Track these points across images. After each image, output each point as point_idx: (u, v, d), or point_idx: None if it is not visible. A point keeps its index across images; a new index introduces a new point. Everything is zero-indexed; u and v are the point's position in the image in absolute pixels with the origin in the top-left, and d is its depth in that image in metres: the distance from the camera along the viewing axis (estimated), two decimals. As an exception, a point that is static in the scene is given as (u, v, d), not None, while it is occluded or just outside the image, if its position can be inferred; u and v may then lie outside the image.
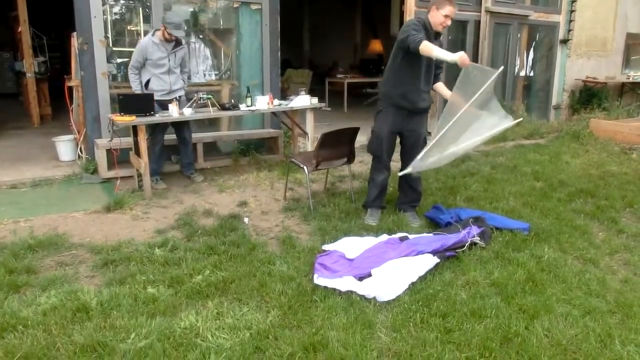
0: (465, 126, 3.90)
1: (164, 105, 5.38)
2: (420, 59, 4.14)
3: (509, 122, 3.98)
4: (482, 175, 6.11)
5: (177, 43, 5.48)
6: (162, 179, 5.66)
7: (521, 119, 4.49)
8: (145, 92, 5.36)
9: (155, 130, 5.49)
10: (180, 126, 5.67)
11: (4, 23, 11.10)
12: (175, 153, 6.06)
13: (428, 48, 3.81)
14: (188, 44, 5.83)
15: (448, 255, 3.75)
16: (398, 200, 4.78)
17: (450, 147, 3.99)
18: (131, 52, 5.57)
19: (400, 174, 4.31)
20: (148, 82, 5.44)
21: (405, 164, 4.47)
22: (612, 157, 7.26)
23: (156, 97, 5.39)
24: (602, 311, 3.15)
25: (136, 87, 5.41)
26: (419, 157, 4.05)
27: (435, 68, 4.41)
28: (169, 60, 5.44)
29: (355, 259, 3.65)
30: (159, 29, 5.40)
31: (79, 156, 6.35)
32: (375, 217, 4.57)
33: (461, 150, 4.10)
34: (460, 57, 3.66)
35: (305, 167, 4.81)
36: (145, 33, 6.29)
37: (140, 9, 6.22)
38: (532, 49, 10.21)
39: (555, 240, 4.18)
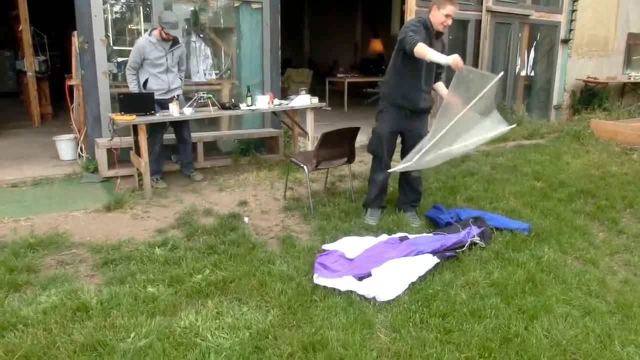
0: (463, 129, 3.89)
1: (162, 105, 5.39)
2: (420, 59, 4.13)
3: (505, 127, 3.95)
4: (482, 175, 6.10)
5: (175, 42, 5.47)
6: (163, 179, 5.66)
7: (515, 125, 4.43)
8: (143, 91, 5.36)
9: (154, 129, 5.48)
10: (179, 126, 5.66)
11: (4, 22, 11.11)
12: (175, 152, 6.06)
13: (422, 50, 3.80)
14: (188, 43, 5.82)
15: (448, 256, 3.75)
16: (398, 200, 4.77)
17: (446, 147, 3.96)
18: (131, 51, 5.54)
19: (392, 170, 4.32)
20: (146, 81, 5.43)
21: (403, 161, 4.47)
22: (613, 158, 7.25)
23: (154, 97, 5.39)
24: (602, 312, 3.15)
25: (133, 87, 5.40)
26: (414, 156, 3.99)
27: (436, 67, 4.40)
28: (167, 60, 5.44)
29: (355, 258, 3.65)
30: (155, 28, 5.40)
31: (79, 155, 6.35)
32: (375, 217, 4.57)
33: (457, 150, 4.10)
34: (454, 59, 3.65)
35: (305, 167, 4.81)
36: (146, 32, 6.30)
37: (141, 7, 6.22)
38: (533, 49, 10.21)
39: (555, 241, 4.18)
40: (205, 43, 5.81)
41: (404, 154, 4.52)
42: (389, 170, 4.40)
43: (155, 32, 5.35)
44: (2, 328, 2.77)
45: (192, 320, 2.89)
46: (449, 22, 4.16)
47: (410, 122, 4.43)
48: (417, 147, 4.01)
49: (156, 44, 5.34)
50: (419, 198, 4.74)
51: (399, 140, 4.59)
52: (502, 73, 3.85)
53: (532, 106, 10.39)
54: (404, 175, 4.55)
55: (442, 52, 4.14)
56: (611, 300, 3.30)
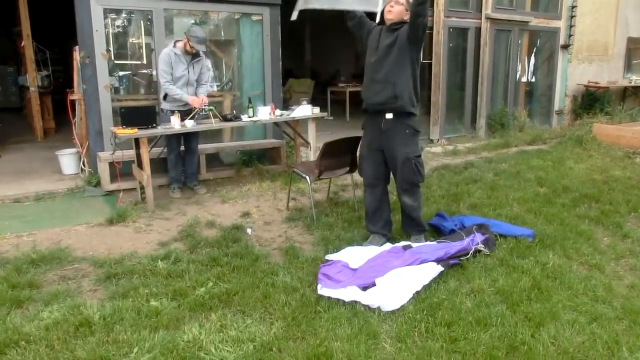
0: None
1: (182, 117, 5.39)
2: (368, 46, 4.00)
3: None
4: (485, 182, 6.09)
5: (195, 54, 5.53)
6: (181, 189, 5.73)
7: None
8: (145, 105, 5.39)
9: (171, 139, 5.55)
10: (189, 136, 5.72)
11: (7, 38, 11.19)
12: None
13: None
14: (207, 55, 5.89)
15: (452, 264, 3.72)
16: (402, 224, 4.39)
17: None
18: (132, 65, 5.59)
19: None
20: (167, 94, 5.49)
21: (396, 186, 4.18)
22: (616, 162, 7.23)
23: (173, 108, 5.46)
24: (609, 317, 3.12)
25: (181, 94, 5.41)
26: None
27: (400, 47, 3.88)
28: (189, 72, 5.50)
29: (359, 268, 3.63)
30: (179, 40, 5.46)
31: (81, 169, 6.36)
32: (374, 244, 4.14)
33: None
34: None
35: (307, 177, 4.80)
36: (147, 45, 6.34)
37: (142, 22, 6.25)
38: (533, 55, 10.22)
39: (560, 246, 4.15)
40: (206, 55, 5.85)
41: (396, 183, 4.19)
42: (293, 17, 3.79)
43: (180, 44, 5.41)
44: (4, 345, 2.76)
45: (196, 334, 2.87)
46: (392, 5, 3.88)
47: (385, 137, 4.01)
48: None
49: (180, 56, 5.41)
50: (417, 225, 4.23)
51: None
52: None
53: (533, 112, 10.38)
54: (401, 203, 4.21)
55: (394, 42, 3.87)
56: (618, 305, 3.27)
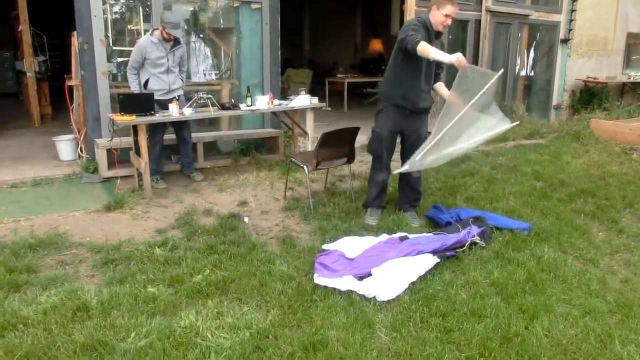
0: (464, 128, 3.89)
1: (163, 105, 5.39)
2: (420, 59, 4.13)
3: (507, 125, 3.96)
4: (482, 175, 6.11)
5: (176, 42, 5.47)
6: (163, 179, 5.66)
7: (518, 122, 4.62)
8: (144, 91, 5.36)
9: (155, 130, 5.49)
10: (179, 126, 5.67)
11: (4, 22, 11.11)
12: (175, 153, 6.06)
13: (425, 49, 3.80)
14: (187, 43, 5.83)
15: (448, 255, 3.75)
16: (398, 200, 4.78)
17: (448, 147, 3.97)
18: (131, 52, 5.56)
19: (396, 172, 4.32)
20: (147, 81, 5.44)
21: (405, 162, 4.49)
22: (613, 157, 7.25)
23: (155, 97, 5.40)
24: (602, 311, 3.15)
25: (135, 88, 5.41)
26: (416, 156, 4.02)
27: (435, 68, 4.41)
28: (168, 60, 5.44)
29: (355, 258, 3.65)
30: (157, 29, 5.40)
31: (79, 156, 6.35)
32: (375, 217, 4.57)
33: (459, 150, 4.08)
34: (457, 58, 3.63)
35: (305, 167, 4.81)
36: (146, 32, 6.30)
37: (141, 8, 6.22)
38: (532, 49, 10.20)
39: (555, 240, 4.18)
40: (204, 43, 5.81)
41: (403, 154, 4.56)
42: (394, 172, 4.41)
43: (157, 32, 5.36)
44: (3, 328, 2.77)
45: (193, 320, 2.89)
46: (449, 22, 4.15)
47: (409, 121, 4.44)
48: (419, 149, 4.02)
49: (157, 44, 5.34)
50: (419, 198, 4.76)
51: (398, 139, 4.59)
52: (501, 71, 3.86)
53: (532, 106, 10.38)
54: (405, 176, 4.55)
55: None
56: (611, 299, 3.30)
